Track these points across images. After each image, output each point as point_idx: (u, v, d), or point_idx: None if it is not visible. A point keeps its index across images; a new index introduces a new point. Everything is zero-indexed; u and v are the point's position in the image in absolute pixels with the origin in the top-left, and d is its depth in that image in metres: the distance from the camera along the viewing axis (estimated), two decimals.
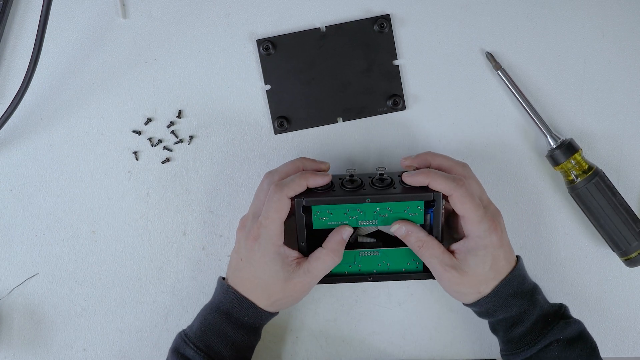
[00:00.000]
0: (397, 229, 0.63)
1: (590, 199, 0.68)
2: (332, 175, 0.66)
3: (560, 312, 0.64)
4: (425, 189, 0.62)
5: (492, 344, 0.72)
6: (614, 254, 0.70)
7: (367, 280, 0.66)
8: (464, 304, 0.66)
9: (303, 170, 0.65)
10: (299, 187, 0.62)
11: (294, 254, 0.63)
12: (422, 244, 0.63)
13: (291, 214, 0.63)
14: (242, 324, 0.63)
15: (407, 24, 0.71)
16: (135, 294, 0.72)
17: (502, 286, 0.63)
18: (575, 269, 0.72)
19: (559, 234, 0.72)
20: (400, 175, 0.65)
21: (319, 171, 0.65)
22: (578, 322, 0.64)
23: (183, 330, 0.65)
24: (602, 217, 0.68)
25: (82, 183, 0.72)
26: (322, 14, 0.71)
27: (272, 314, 0.65)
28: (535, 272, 0.72)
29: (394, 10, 0.71)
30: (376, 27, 0.70)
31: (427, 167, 0.65)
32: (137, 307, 0.72)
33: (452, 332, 0.72)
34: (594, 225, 0.70)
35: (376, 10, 0.71)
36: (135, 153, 0.72)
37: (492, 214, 0.63)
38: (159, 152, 0.72)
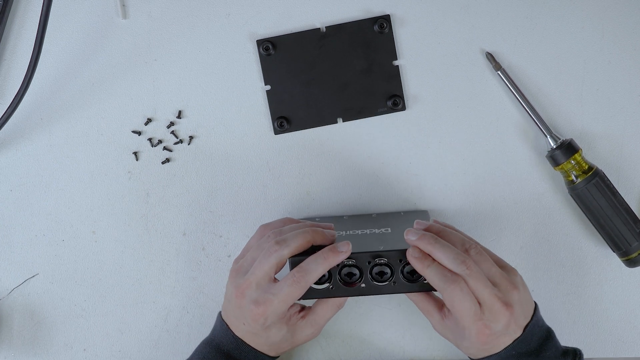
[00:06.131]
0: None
1: (590, 200, 0.68)
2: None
3: None
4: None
5: None
6: (614, 254, 0.70)
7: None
8: None
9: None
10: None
11: (297, 308, 0.62)
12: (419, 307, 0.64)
13: None
14: None
15: (407, 24, 0.71)
16: (135, 294, 0.72)
17: (506, 351, 0.59)
18: (575, 269, 0.72)
19: (559, 234, 0.72)
20: (402, 261, 0.60)
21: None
22: None
23: None
24: (602, 218, 0.68)
25: (82, 183, 0.72)
26: (322, 14, 0.71)
27: (276, 357, 0.64)
28: (535, 273, 0.72)
29: (394, 11, 0.71)
30: (376, 28, 0.70)
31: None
32: (137, 308, 0.72)
33: None
34: (594, 226, 0.70)
35: (376, 10, 0.71)
36: (135, 153, 0.72)
37: (503, 301, 0.57)
38: (159, 153, 0.72)
